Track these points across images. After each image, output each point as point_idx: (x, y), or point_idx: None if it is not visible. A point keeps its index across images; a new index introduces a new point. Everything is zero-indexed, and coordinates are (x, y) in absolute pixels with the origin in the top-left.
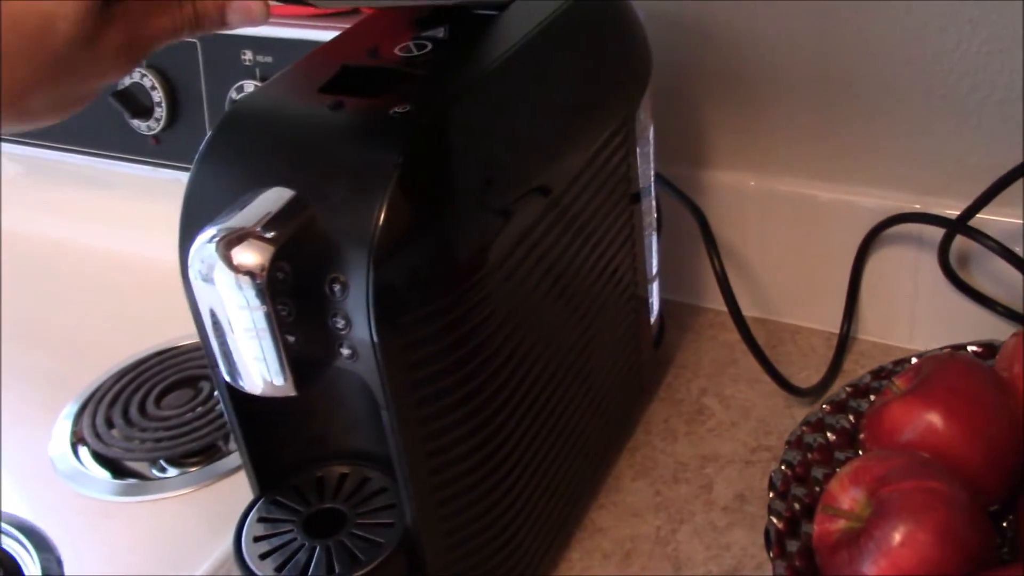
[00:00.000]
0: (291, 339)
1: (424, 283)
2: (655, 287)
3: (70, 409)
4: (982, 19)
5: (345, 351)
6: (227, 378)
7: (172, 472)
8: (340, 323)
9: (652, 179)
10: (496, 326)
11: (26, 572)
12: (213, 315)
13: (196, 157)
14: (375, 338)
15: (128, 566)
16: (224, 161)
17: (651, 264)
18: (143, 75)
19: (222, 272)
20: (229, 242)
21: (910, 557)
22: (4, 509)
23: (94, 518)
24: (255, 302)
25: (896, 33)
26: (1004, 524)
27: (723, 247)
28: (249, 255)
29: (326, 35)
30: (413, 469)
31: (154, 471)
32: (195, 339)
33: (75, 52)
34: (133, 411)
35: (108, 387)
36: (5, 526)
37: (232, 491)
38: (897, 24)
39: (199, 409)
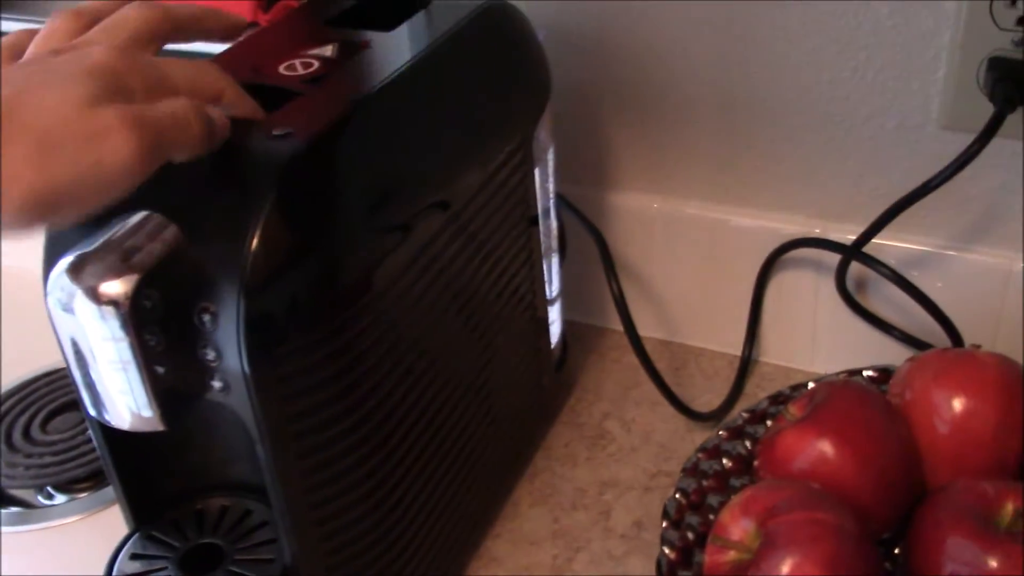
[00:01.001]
0: (160, 370)
1: (302, 311)
2: (556, 309)
3: None
4: (877, 47)
5: (216, 384)
6: (92, 412)
7: (60, 499)
8: (211, 355)
9: (552, 200)
10: (384, 352)
11: None
12: (75, 346)
13: None
14: (247, 370)
15: None
16: None
17: (552, 286)
18: None
19: (83, 302)
20: (90, 270)
21: None
22: None
23: None
24: (119, 333)
25: (794, 58)
26: (896, 551)
27: (627, 269)
28: (112, 284)
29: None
30: (291, 504)
31: (40, 498)
32: None
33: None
34: (16, 436)
35: None
36: None
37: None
38: (795, 49)
39: (88, 433)
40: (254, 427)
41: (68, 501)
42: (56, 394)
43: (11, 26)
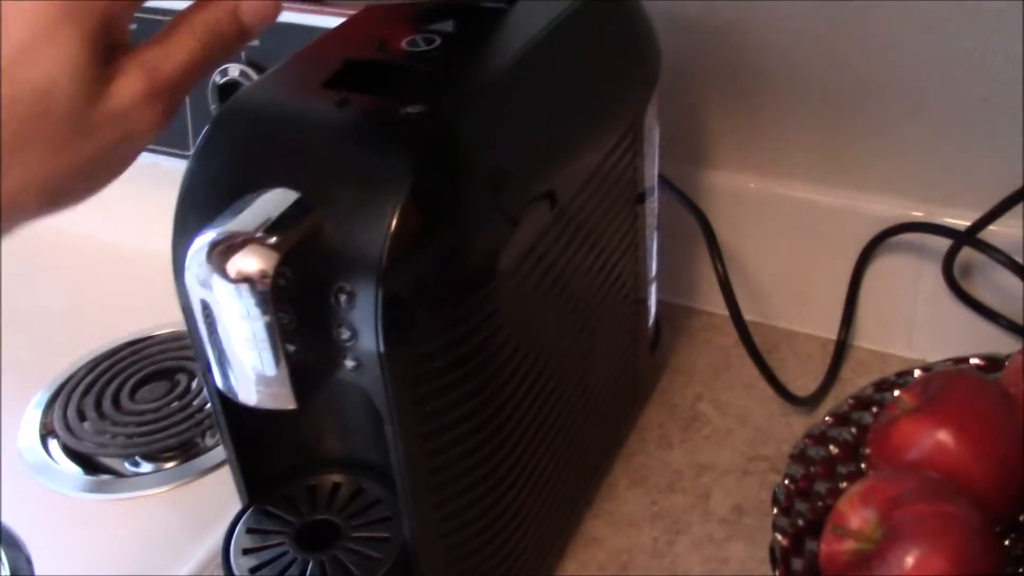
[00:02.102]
0: (291, 348)
1: (434, 294)
2: (653, 289)
3: (40, 399)
4: (994, 28)
5: (349, 363)
6: (221, 387)
7: (147, 468)
8: (345, 334)
9: (656, 180)
10: (504, 338)
11: None
12: (209, 322)
13: (193, 152)
14: (382, 350)
15: (101, 567)
16: (223, 158)
17: (651, 265)
18: None
19: (221, 279)
20: (230, 247)
21: None
22: None
23: (65, 515)
24: (255, 311)
25: (905, 39)
26: (1007, 543)
27: (721, 249)
28: (251, 261)
29: (318, 20)
30: (415, 484)
31: (128, 466)
32: (171, 328)
33: (87, 113)
34: (107, 404)
35: (80, 377)
36: None
37: (211, 490)
38: (907, 30)
39: (175, 404)
40: (385, 407)
41: (155, 471)
42: (143, 363)
43: None
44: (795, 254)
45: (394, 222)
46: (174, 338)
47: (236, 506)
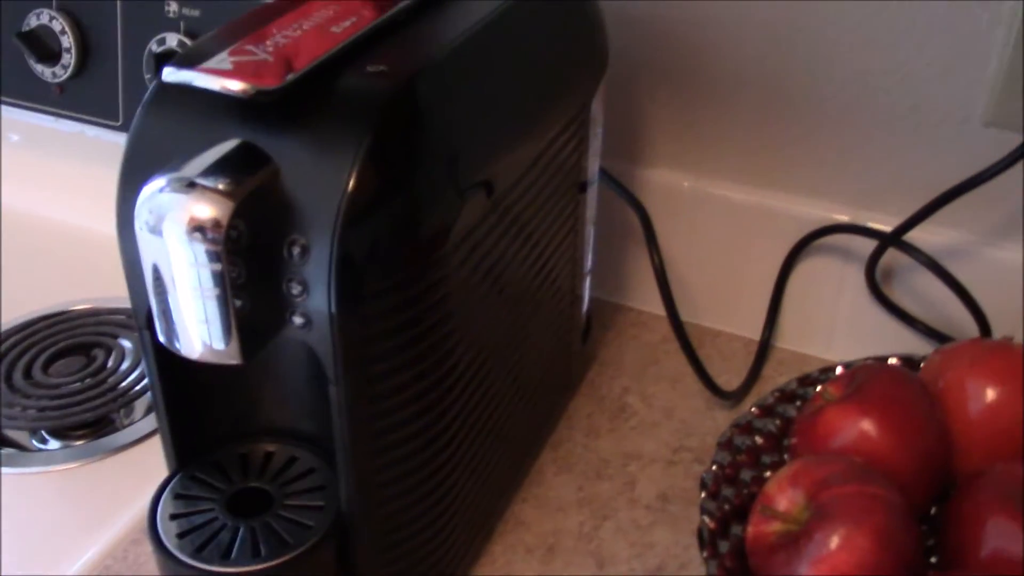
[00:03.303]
0: (238, 303)
1: (389, 252)
2: (587, 282)
3: None
4: (928, 41)
5: (298, 319)
6: (163, 339)
7: (54, 444)
8: (296, 289)
9: (597, 173)
10: (449, 308)
11: None
12: (156, 270)
13: (143, 101)
14: (333, 307)
15: (5, 545)
16: (175, 108)
17: (587, 257)
18: (52, 17)
19: (173, 224)
20: (183, 194)
21: (848, 560)
22: None
23: None
24: (204, 259)
25: (844, 48)
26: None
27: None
28: (204, 208)
29: None
30: (356, 448)
31: (34, 442)
32: (88, 304)
33: None
34: (17, 376)
35: None
36: None
37: (122, 469)
38: (846, 39)
39: (89, 380)
40: (331, 366)
41: (63, 448)
42: (58, 337)
43: None
44: (724, 254)
45: (354, 175)
46: (91, 313)
47: (150, 485)
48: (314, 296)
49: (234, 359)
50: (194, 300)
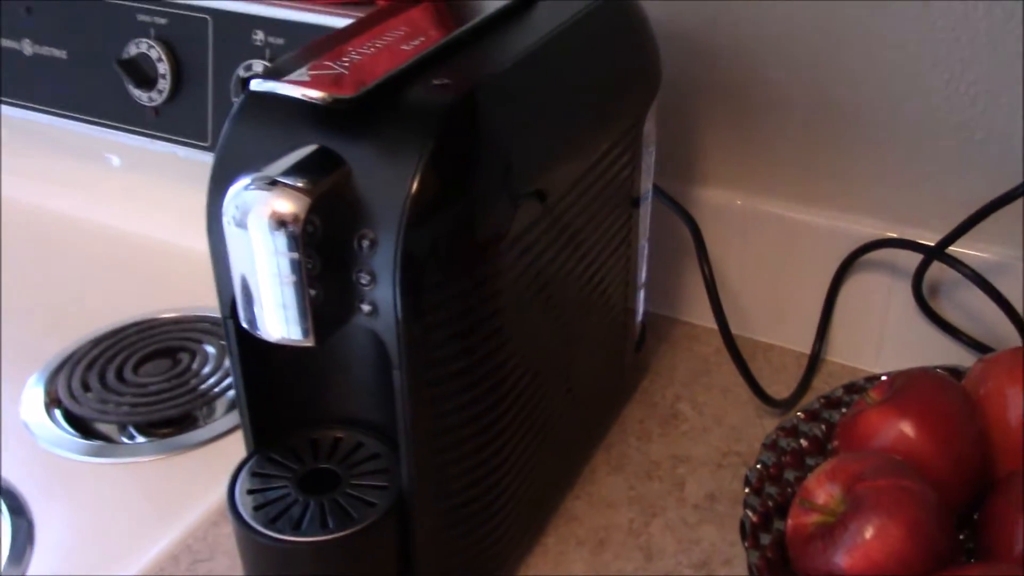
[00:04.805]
0: (313, 292)
1: (445, 251)
2: (642, 294)
3: (45, 368)
4: (973, 60)
5: (366, 307)
6: (245, 325)
7: (140, 440)
8: (365, 278)
9: (650, 189)
10: (501, 304)
11: None
12: (241, 260)
13: (232, 111)
14: (398, 295)
15: (96, 528)
16: (261, 117)
17: (641, 270)
18: (150, 45)
19: (257, 218)
20: (268, 190)
21: (880, 549)
22: None
23: (64, 479)
24: (284, 249)
25: (891, 66)
26: (961, 537)
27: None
28: (286, 203)
29: (341, 22)
30: (416, 430)
31: (123, 438)
32: (175, 313)
33: None
34: (110, 376)
35: (85, 352)
36: None
37: (202, 462)
38: (893, 57)
39: (174, 380)
40: (395, 350)
41: (148, 442)
42: (147, 342)
43: None
44: (775, 270)
45: (418, 176)
46: (177, 321)
47: (227, 477)
48: (381, 285)
49: (308, 342)
50: (274, 287)
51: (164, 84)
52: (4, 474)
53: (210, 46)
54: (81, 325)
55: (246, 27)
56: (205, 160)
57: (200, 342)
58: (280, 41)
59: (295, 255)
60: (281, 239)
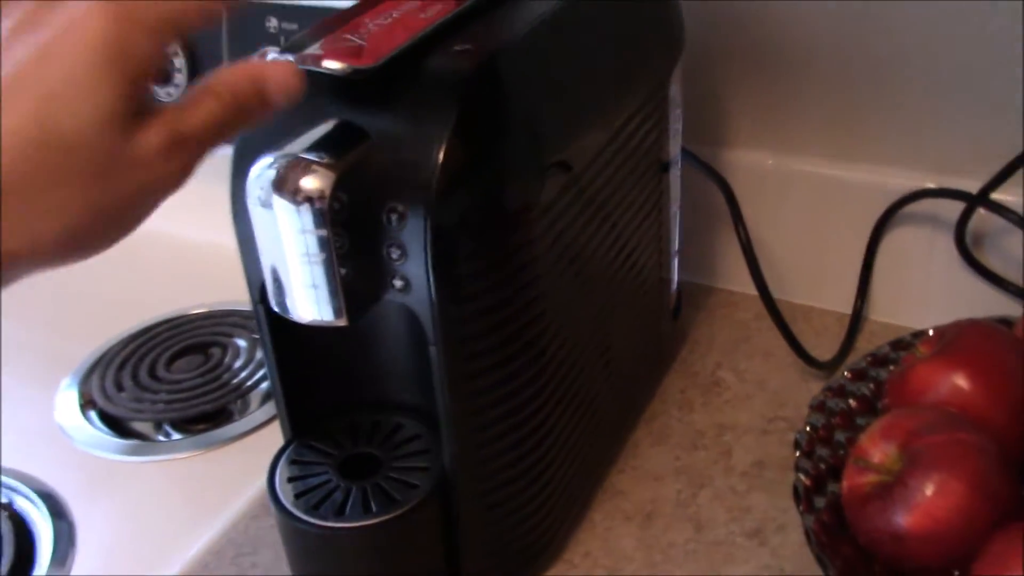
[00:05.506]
0: (343, 271)
1: (475, 221)
2: (676, 261)
3: (78, 370)
4: (1005, 7)
5: (398, 282)
6: (276, 308)
7: (176, 437)
8: (395, 253)
9: (679, 153)
10: (535, 274)
11: (38, 536)
12: (268, 242)
13: None
14: (430, 268)
15: (137, 527)
16: None
17: (675, 237)
18: None
19: (282, 197)
20: (291, 167)
21: (944, 504)
22: (11, 465)
23: (102, 478)
24: (311, 226)
25: (919, 16)
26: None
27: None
28: (311, 180)
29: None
30: (456, 408)
31: (159, 437)
32: (203, 309)
33: (111, 162)
34: (143, 374)
35: (117, 351)
36: (15, 484)
37: (239, 455)
38: (917, 9)
39: (207, 375)
40: (430, 326)
41: (184, 438)
42: (178, 338)
43: None
44: (811, 229)
45: (445, 145)
46: (206, 316)
47: (266, 470)
48: (412, 259)
49: (341, 321)
50: (303, 267)
51: (180, 78)
52: (43, 477)
53: (223, 34)
54: (111, 325)
55: (259, 15)
56: (226, 152)
57: (231, 336)
58: (294, 26)
59: (323, 232)
60: (308, 216)
